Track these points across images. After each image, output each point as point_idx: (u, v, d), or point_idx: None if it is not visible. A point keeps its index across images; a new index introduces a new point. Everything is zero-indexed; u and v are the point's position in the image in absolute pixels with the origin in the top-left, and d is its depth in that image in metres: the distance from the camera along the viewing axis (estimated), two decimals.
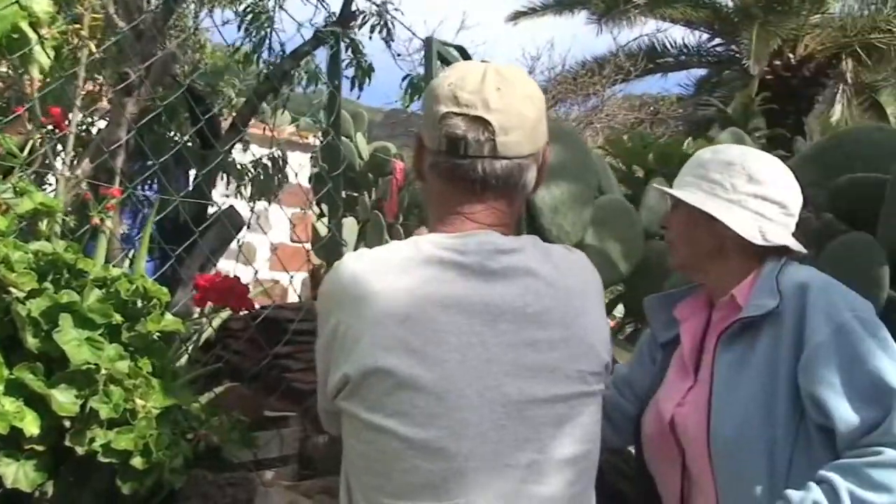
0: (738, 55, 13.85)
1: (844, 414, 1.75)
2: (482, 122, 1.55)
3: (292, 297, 9.01)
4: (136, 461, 1.91)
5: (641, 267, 4.03)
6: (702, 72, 17.52)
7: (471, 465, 1.45)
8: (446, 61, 3.31)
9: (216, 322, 2.67)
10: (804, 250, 2.07)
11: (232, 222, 4.45)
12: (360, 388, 1.49)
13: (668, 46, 16.72)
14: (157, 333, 2.05)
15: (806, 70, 14.74)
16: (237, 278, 2.33)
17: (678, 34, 16.91)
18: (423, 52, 5.74)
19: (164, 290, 2.07)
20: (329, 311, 1.57)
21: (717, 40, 16.63)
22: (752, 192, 2.01)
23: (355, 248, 11.63)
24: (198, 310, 2.55)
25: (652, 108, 11.72)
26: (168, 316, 2.06)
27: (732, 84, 15.35)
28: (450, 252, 1.53)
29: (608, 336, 1.65)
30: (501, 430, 1.47)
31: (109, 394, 1.91)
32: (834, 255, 3.32)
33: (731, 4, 16.00)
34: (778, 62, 14.49)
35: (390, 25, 5.16)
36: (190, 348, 2.50)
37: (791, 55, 14.73)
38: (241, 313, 3.05)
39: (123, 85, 3.92)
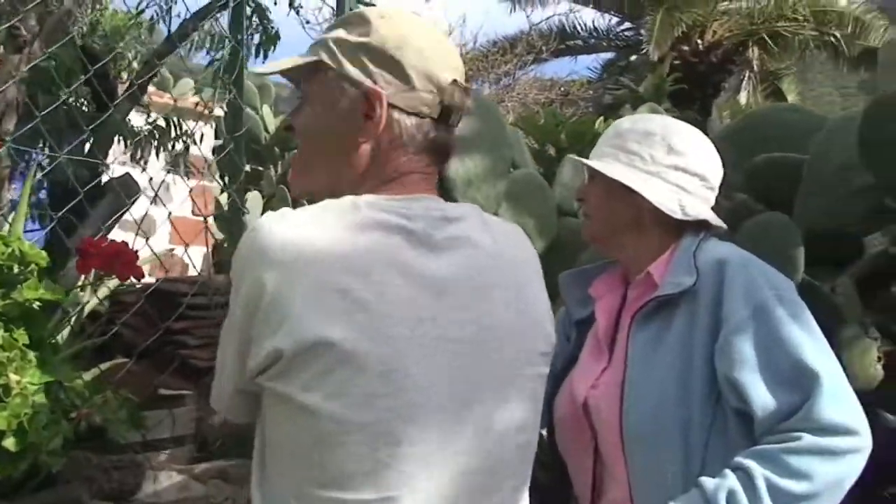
0: (644, 38, 14.00)
1: (762, 398, 1.69)
2: (469, 94, 1.50)
3: (193, 273, 8.79)
4: (9, 442, 1.73)
5: (555, 244, 3.96)
6: (610, 55, 17.70)
7: (415, 450, 1.30)
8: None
9: (102, 292, 2.48)
10: (724, 225, 2.00)
11: (127, 190, 4.25)
12: (294, 364, 1.28)
13: (579, 29, 16.84)
14: (36, 302, 1.87)
15: (713, 56, 14.98)
16: (125, 243, 2.14)
17: (589, 17, 17.05)
18: (332, 20, 5.59)
19: (43, 253, 1.89)
20: (248, 277, 1.33)
21: (627, 24, 16.79)
22: (672, 163, 1.94)
23: None
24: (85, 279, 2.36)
25: (562, 89, 11.74)
26: (47, 283, 1.88)
27: (640, 69, 15.51)
28: (394, 216, 1.37)
29: (551, 311, 1.53)
30: (448, 413, 1.33)
31: None
32: (749, 235, 3.28)
33: None
34: (686, 48, 14.67)
35: None
36: (73, 320, 2.31)
37: (699, 41, 14.93)
38: (135, 286, 2.88)
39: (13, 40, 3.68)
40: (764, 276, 1.82)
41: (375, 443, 1.29)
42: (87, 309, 2.53)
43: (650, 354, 1.84)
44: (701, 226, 1.96)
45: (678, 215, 1.91)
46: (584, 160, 2.04)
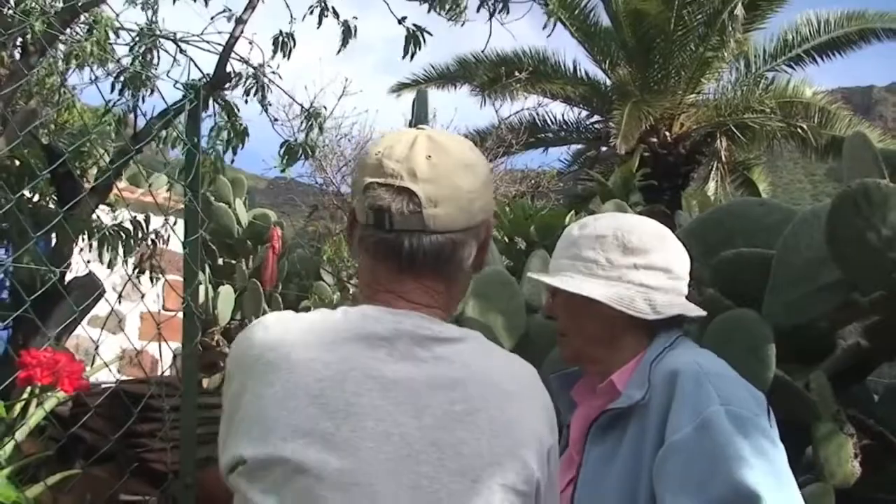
0: (614, 131, 14.18)
1: None
2: (407, 193, 1.40)
3: (162, 369, 8.68)
4: None
5: (523, 341, 3.90)
6: (580, 146, 17.91)
7: None
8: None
9: (49, 404, 2.40)
10: (702, 312, 1.93)
11: (91, 289, 4.19)
12: (256, 472, 1.28)
13: (549, 122, 17.08)
14: None
15: (682, 147, 15.19)
16: (70, 354, 2.07)
17: (558, 110, 17.32)
18: (302, 118, 5.62)
19: None
20: (235, 376, 1.38)
21: (596, 117, 17.02)
22: (631, 262, 1.87)
23: (231, 318, 11.37)
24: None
25: (533, 182, 11.83)
26: None
27: (610, 160, 15.70)
28: (380, 329, 1.36)
29: (545, 453, 1.41)
30: None
31: None
32: (718, 332, 3.25)
33: (608, 82, 16.42)
34: (654, 139, 14.87)
35: (268, 89, 5.00)
36: (16, 434, 2.22)
37: (667, 133, 15.14)
38: (98, 387, 2.80)
39: None
40: (717, 388, 1.68)
41: None
42: (33, 422, 2.44)
43: (601, 470, 1.76)
44: (675, 322, 1.88)
45: (650, 316, 1.83)
46: (542, 276, 1.97)
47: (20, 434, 2.32)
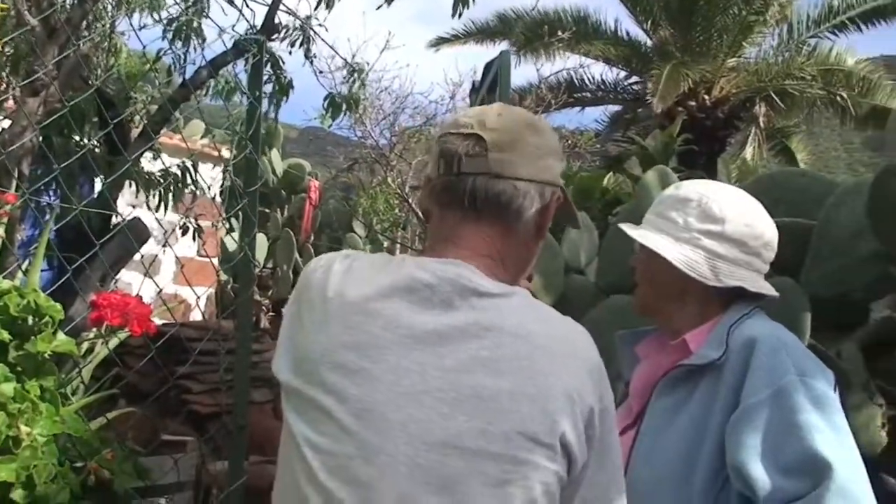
0: (651, 91, 14.04)
1: (765, 484, 1.63)
2: (476, 138, 1.47)
3: (197, 314, 8.79)
4: (17, 494, 1.73)
5: (561, 300, 3.96)
6: (617, 108, 17.76)
7: (372, 495, 1.30)
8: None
9: (113, 343, 2.49)
10: (774, 293, 1.97)
11: (136, 234, 4.27)
12: (290, 392, 1.40)
13: (587, 81, 16.92)
14: (48, 354, 1.88)
15: (720, 112, 15.03)
16: (139, 297, 2.15)
17: (597, 70, 17.13)
18: (344, 70, 5.65)
19: (58, 306, 1.90)
20: (292, 300, 1.49)
21: (634, 78, 16.87)
22: (706, 229, 1.90)
23: (263, 266, 11.43)
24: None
25: (570, 142, 11.77)
26: (60, 336, 1.89)
27: (646, 122, 15.58)
28: (425, 276, 1.41)
29: (586, 414, 1.38)
30: (415, 468, 1.31)
31: None
32: None
33: (649, 43, 16.26)
34: (692, 103, 14.74)
35: (313, 41, 5.03)
36: (83, 370, 2.31)
37: (706, 97, 15.00)
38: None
39: (28, 81, 3.71)
40: (793, 358, 1.74)
41: (334, 476, 1.32)
42: (97, 360, 2.53)
43: (666, 422, 1.82)
44: (752, 297, 1.92)
45: (712, 282, 1.87)
46: (626, 227, 2.02)
47: (86, 372, 2.42)
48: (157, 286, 2.74)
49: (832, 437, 1.65)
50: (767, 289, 1.94)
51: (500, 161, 1.46)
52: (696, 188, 2.00)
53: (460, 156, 1.46)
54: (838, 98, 15.24)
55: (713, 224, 1.91)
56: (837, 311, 3.46)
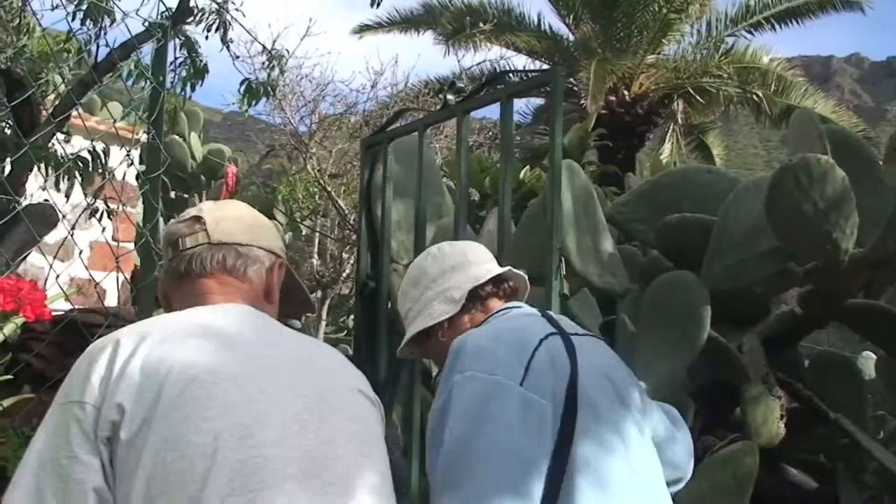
0: (575, 87, 14.18)
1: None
2: (195, 219, 1.76)
3: (113, 299, 8.66)
4: None
5: None
6: (540, 101, 17.89)
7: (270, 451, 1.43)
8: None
9: (9, 328, 2.45)
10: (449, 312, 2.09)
11: (45, 218, 4.20)
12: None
13: (509, 72, 16.99)
14: None
15: (639, 108, 15.25)
16: (33, 283, 2.13)
17: (520, 62, 17.24)
18: (264, 56, 5.61)
19: None
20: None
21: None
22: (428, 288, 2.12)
23: None
24: None
25: (491, 133, 11.83)
26: None
27: (568, 115, 15.75)
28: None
29: None
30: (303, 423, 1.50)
31: None
32: (658, 292, 3.36)
33: (571, 38, 16.42)
34: (612, 98, 14.92)
35: (230, 26, 4.98)
36: None
37: (626, 92, 15.20)
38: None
39: None
40: (461, 360, 1.85)
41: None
42: None
43: None
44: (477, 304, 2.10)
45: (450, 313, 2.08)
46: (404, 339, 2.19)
47: None
48: (55, 271, 2.69)
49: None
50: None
51: (218, 230, 1.77)
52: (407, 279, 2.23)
53: (184, 238, 1.76)
54: (754, 96, 15.56)
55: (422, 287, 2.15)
56: (739, 305, 3.55)
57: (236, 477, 1.36)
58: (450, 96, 3.15)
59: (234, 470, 1.36)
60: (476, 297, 2.09)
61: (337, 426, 1.53)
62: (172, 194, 11.91)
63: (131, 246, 5.01)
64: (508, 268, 2.19)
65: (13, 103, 3.96)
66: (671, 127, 16.75)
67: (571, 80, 14.50)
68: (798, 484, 3.83)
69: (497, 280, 2.14)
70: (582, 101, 13.86)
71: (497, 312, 2.07)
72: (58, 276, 2.69)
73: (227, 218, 1.77)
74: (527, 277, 2.26)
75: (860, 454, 3.51)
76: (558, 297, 2.70)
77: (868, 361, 5.43)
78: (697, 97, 15.78)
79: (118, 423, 1.37)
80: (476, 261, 2.16)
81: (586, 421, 1.79)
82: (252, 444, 1.40)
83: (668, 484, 2.04)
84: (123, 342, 1.45)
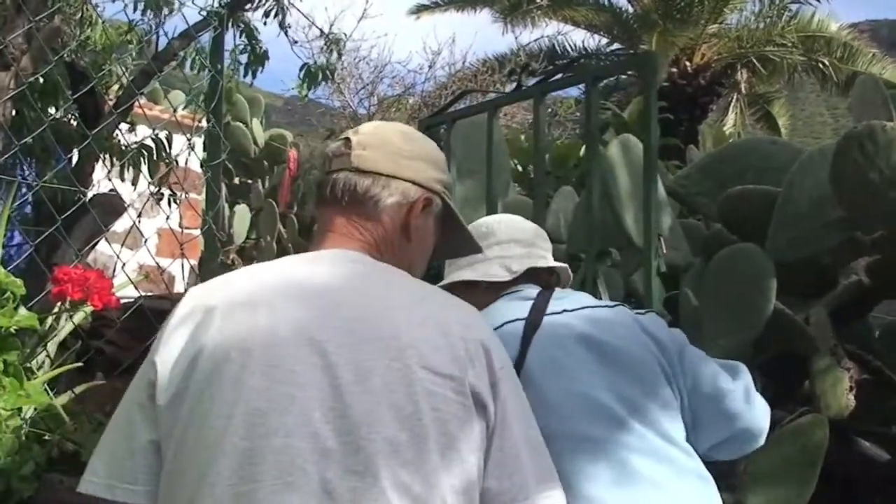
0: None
1: None
2: (345, 140, 1.64)
3: (180, 285, 8.80)
4: None
5: None
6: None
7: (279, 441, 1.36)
8: None
9: (79, 317, 2.51)
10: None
11: (111, 207, 4.27)
12: None
13: (569, 49, 16.88)
14: (11, 329, 1.89)
15: (702, 79, 15.02)
16: (99, 271, 2.18)
17: (578, 37, 17.09)
18: (322, 40, 5.65)
19: (19, 282, 1.92)
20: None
21: (616, 45, 16.83)
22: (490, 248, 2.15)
23: (247, 236, 11.43)
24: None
25: (550, 110, 11.76)
26: (22, 311, 1.90)
27: (629, 90, 15.58)
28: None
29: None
30: None
31: None
32: (722, 265, 3.33)
33: (631, 10, 16.22)
34: (674, 70, 14.73)
35: (287, 11, 5.02)
36: (48, 345, 2.33)
37: (688, 63, 15.00)
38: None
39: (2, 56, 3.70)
40: None
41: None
42: (62, 335, 2.54)
43: None
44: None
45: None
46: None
47: (51, 346, 2.44)
48: (120, 259, 2.74)
49: None
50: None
51: (361, 157, 1.61)
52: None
53: (330, 157, 1.63)
54: (819, 65, 15.26)
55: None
56: (806, 277, 3.50)
57: (245, 466, 1.30)
58: (525, 78, 3.15)
59: (242, 459, 1.30)
60: (527, 277, 2.14)
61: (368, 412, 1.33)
62: (237, 180, 12.03)
63: (197, 232, 5.10)
64: (563, 264, 2.25)
65: (76, 95, 4.02)
66: (734, 97, 16.50)
67: (631, 51, 14.33)
68: (870, 456, 3.77)
69: (550, 270, 2.19)
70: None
71: (506, 294, 2.13)
72: (124, 265, 2.74)
73: (375, 142, 1.63)
74: (569, 269, 2.31)
75: None
76: (657, 275, 2.70)
77: None
78: (761, 66, 15.51)
79: (153, 382, 1.39)
80: (541, 245, 2.23)
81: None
82: (262, 432, 1.31)
83: (733, 440, 2.05)
84: (183, 303, 1.46)
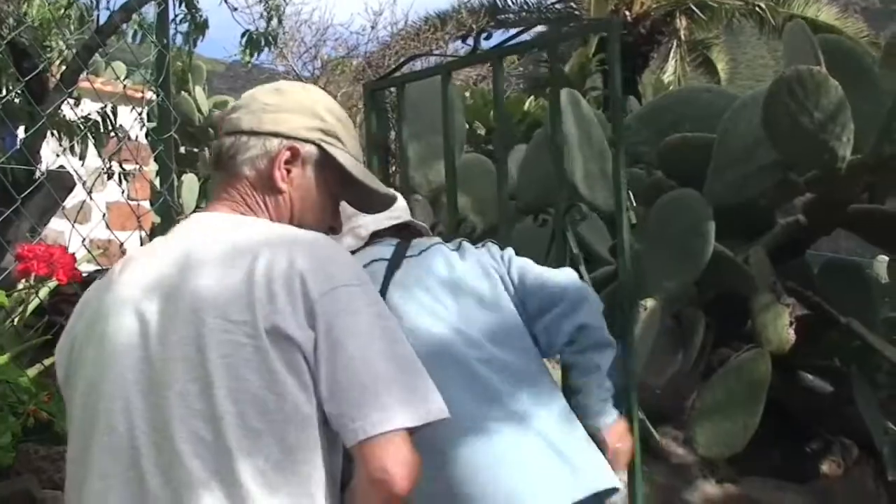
0: (577, 13, 14.03)
1: None
2: (233, 108, 1.66)
3: None
4: None
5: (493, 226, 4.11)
6: (542, 29, 17.70)
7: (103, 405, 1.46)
8: None
9: (44, 292, 2.56)
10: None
11: (62, 183, 4.28)
12: None
13: (510, 3, 16.85)
14: None
15: (641, 27, 15.09)
16: (63, 248, 2.23)
17: None
18: (262, 6, 5.64)
19: None
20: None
21: None
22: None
23: (197, 206, 11.39)
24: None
25: (489, 64, 11.76)
26: None
27: (572, 42, 15.62)
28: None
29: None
30: None
31: None
32: (662, 211, 3.44)
33: None
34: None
35: None
36: (16, 321, 2.39)
37: (627, 13, 15.05)
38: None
39: None
40: None
41: None
42: (30, 309, 2.59)
43: None
44: None
45: None
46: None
47: (18, 322, 2.49)
48: (80, 234, 2.78)
49: None
50: None
51: (230, 120, 1.63)
52: None
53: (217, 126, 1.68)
54: (757, 9, 15.39)
55: None
56: (744, 219, 3.63)
57: (84, 434, 1.43)
58: (483, 42, 3.18)
59: (79, 431, 1.46)
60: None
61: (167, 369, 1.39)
62: (182, 149, 11.95)
63: (146, 203, 5.11)
64: (412, 220, 2.46)
65: (28, 77, 4.02)
66: (674, 44, 16.58)
67: (572, 3, 14.37)
68: (814, 389, 3.93)
69: (399, 227, 2.40)
70: (572, 21, 13.72)
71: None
72: (84, 239, 2.78)
73: (243, 104, 1.63)
74: (428, 227, 2.56)
75: (873, 356, 3.60)
76: (629, 228, 2.77)
77: (882, 265, 5.45)
78: (699, 12, 15.60)
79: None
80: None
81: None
82: (93, 401, 1.42)
83: (559, 302, 2.25)
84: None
